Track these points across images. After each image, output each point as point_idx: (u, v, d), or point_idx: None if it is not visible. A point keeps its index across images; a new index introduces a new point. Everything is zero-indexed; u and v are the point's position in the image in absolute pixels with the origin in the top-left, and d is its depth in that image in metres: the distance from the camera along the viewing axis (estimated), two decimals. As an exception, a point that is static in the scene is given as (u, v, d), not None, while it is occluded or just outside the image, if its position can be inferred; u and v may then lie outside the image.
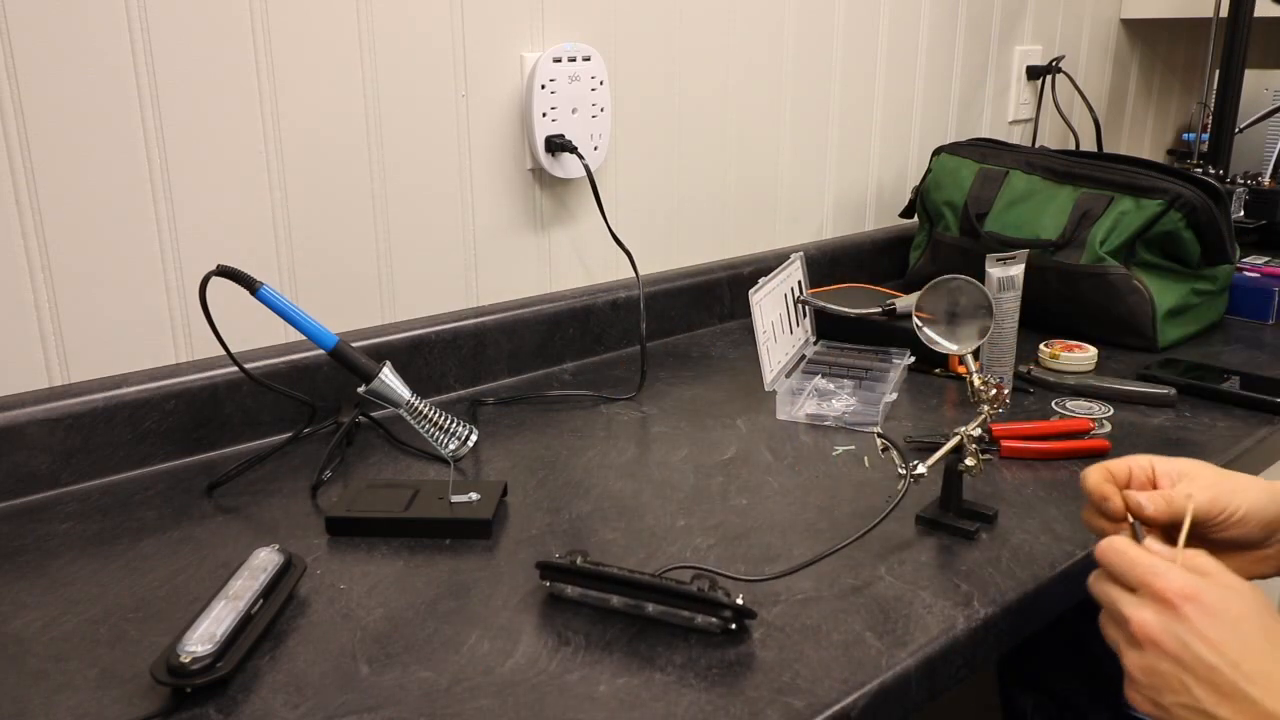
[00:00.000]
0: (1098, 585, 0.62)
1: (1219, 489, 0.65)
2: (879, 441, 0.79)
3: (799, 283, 1.23)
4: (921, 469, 0.78)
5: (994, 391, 0.81)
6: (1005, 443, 0.94)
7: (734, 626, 0.67)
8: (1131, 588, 0.59)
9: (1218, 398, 1.08)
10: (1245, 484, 0.66)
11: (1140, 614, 0.58)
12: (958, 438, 0.80)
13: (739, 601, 0.66)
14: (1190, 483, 0.66)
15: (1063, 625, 0.90)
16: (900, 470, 0.77)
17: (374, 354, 0.88)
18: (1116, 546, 0.61)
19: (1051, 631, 0.91)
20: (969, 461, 0.80)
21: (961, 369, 1.15)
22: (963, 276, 0.85)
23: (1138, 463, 0.68)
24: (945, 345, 0.87)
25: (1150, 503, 0.64)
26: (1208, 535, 0.66)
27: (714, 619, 0.67)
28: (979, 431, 0.80)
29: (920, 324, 0.87)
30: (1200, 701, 0.55)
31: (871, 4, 1.51)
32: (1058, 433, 0.98)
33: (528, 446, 0.98)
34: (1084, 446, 0.95)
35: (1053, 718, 0.92)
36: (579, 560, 0.70)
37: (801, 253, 1.26)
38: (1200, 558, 0.59)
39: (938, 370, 1.17)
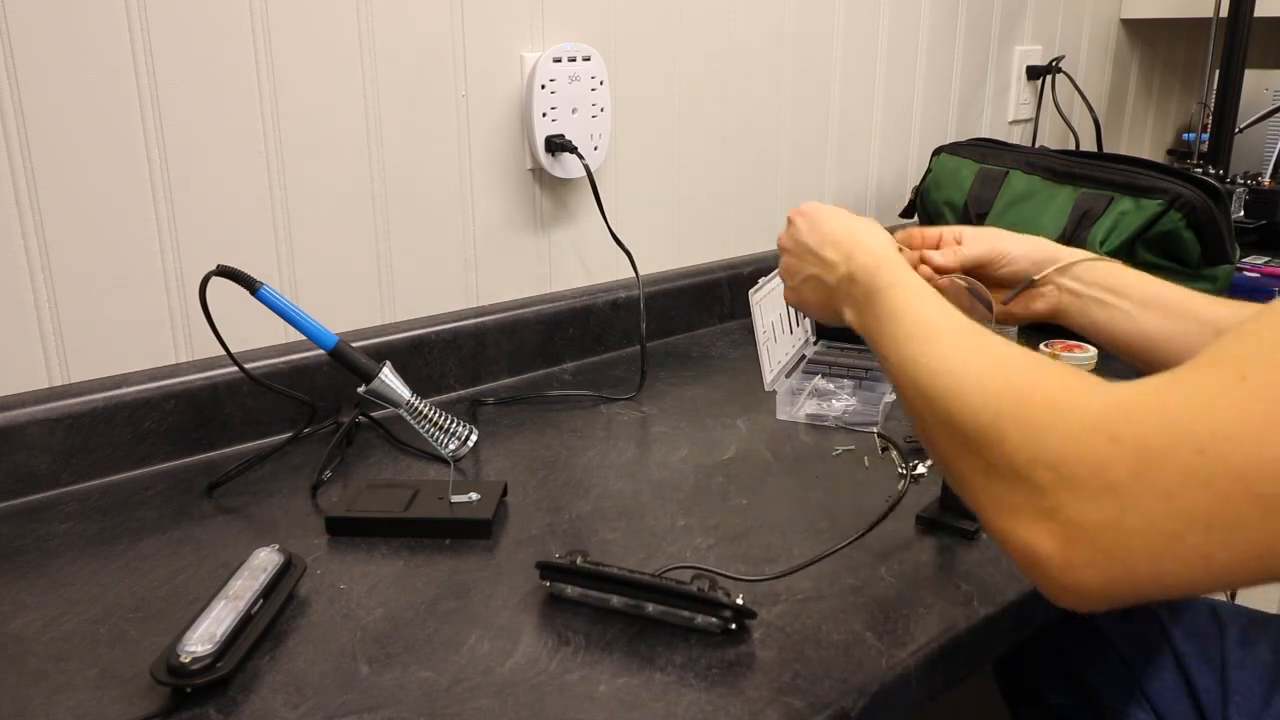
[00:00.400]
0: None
1: (993, 240, 0.88)
2: (879, 441, 0.80)
3: (799, 283, 1.23)
4: (921, 469, 0.78)
5: None
6: None
7: (734, 627, 0.67)
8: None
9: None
10: (1018, 238, 0.88)
11: (781, 233, 0.84)
12: None
13: (739, 601, 0.66)
14: (972, 239, 0.88)
15: (1047, 639, 0.91)
16: (900, 470, 0.77)
17: (374, 354, 0.88)
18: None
19: (1039, 645, 0.92)
20: None
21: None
22: (964, 276, 0.86)
23: (931, 231, 0.91)
24: None
25: (940, 255, 0.88)
26: (990, 275, 0.87)
27: (714, 619, 0.67)
28: None
29: None
30: (805, 267, 0.79)
31: (871, 4, 1.51)
32: None
33: (528, 446, 0.98)
34: None
35: None
36: (579, 560, 0.70)
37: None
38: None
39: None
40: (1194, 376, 0.46)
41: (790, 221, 0.82)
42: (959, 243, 0.89)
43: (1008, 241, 0.88)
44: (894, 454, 0.78)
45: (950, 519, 0.81)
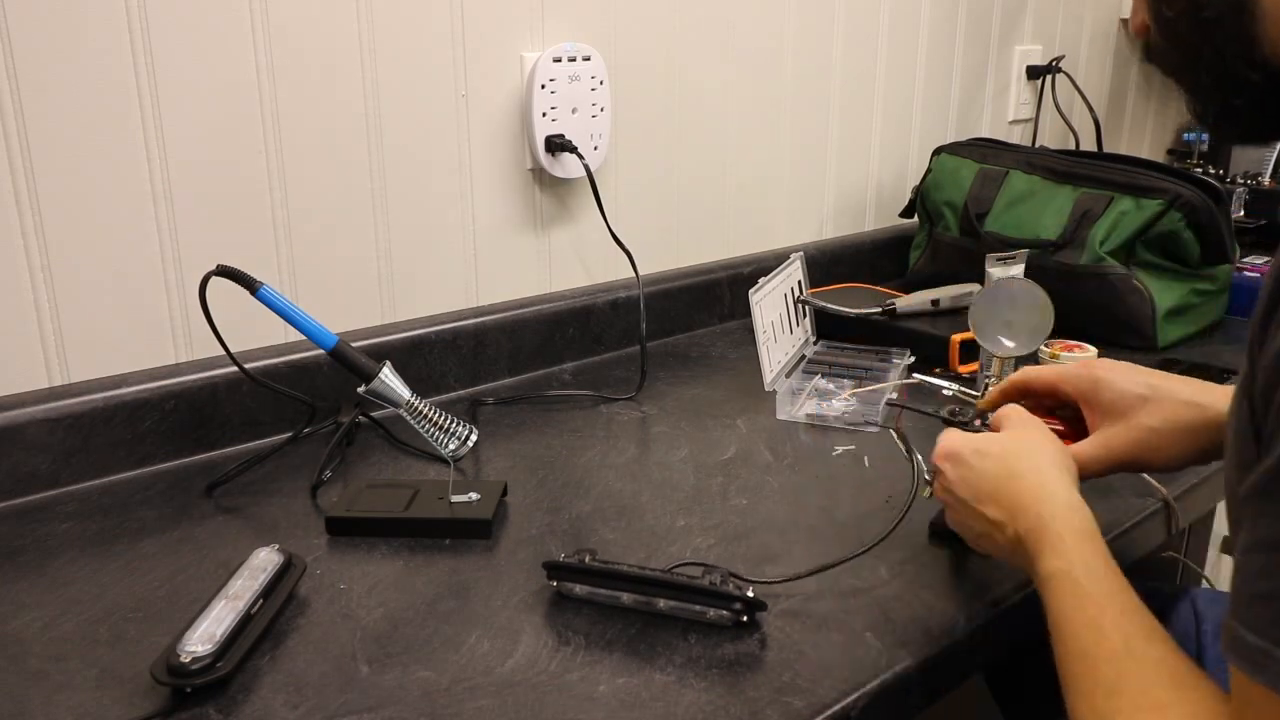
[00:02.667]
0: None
1: (1063, 371, 0.81)
2: (900, 443, 0.78)
3: (799, 283, 1.23)
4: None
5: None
6: None
7: (745, 619, 0.67)
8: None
9: (1218, 398, 1.08)
10: (1114, 365, 0.80)
11: (936, 486, 0.74)
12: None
13: (750, 594, 0.66)
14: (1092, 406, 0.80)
15: (1043, 646, 0.91)
16: (926, 477, 0.75)
17: (374, 354, 0.88)
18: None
19: (1035, 652, 0.92)
20: None
21: (964, 369, 1.15)
22: (1021, 278, 0.86)
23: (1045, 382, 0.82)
24: (1006, 346, 0.87)
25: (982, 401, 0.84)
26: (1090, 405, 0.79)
27: (725, 612, 0.67)
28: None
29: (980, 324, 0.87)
30: (975, 522, 0.70)
31: (871, 4, 1.50)
32: None
33: (528, 446, 0.98)
34: None
35: None
36: (588, 559, 0.70)
37: (801, 253, 1.26)
38: (1000, 415, 0.75)
39: (938, 370, 1.17)
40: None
41: (939, 470, 0.73)
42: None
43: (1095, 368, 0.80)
44: (917, 458, 0.76)
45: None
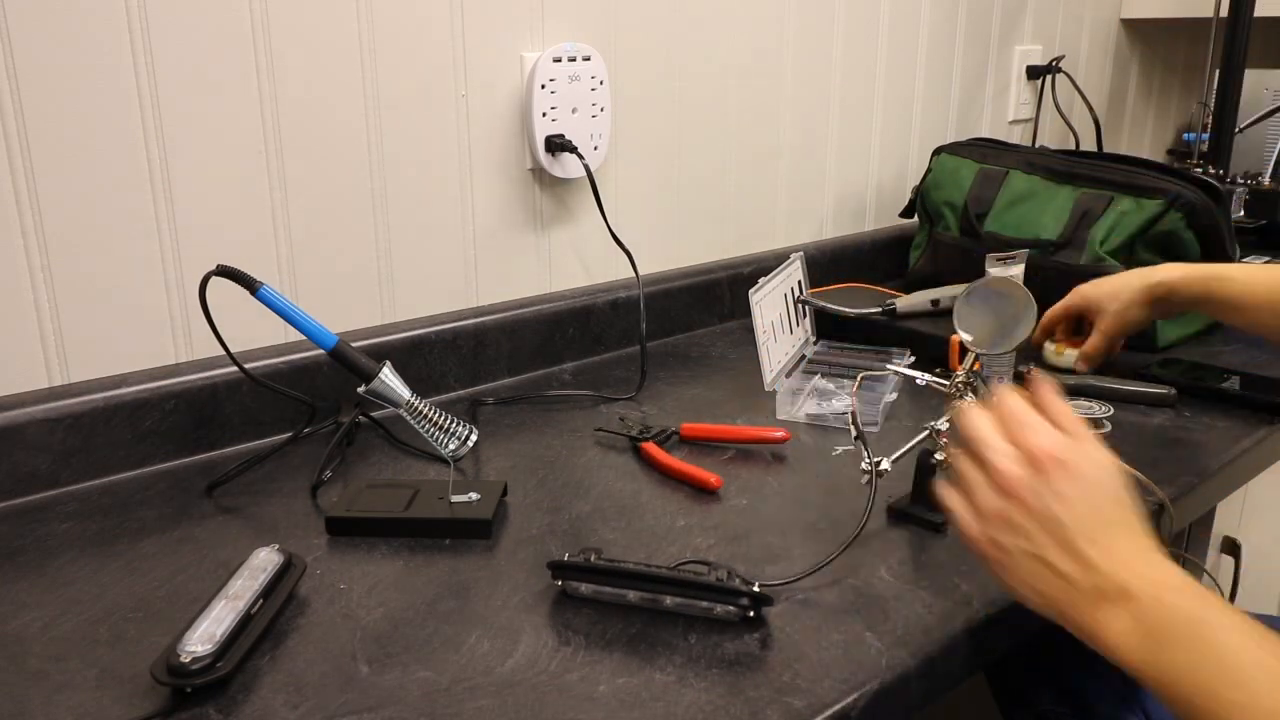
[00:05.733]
0: (971, 422, 0.64)
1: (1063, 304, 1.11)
2: (851, 430, 0.80)
3: (799, 283, 1.23)
4: (885, 464, 0.79)
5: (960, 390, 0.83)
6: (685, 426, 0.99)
7: (752, 615, 0.67)
8: (1009, 435, 0.63)
9: (1217, 398, 1.08)
10: (1102, 290, 1.10)
11: (1010, 467, 0.61)
12: (926, 432, 0.81)
13: (756, 589, 0.66)
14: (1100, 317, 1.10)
15: (1043, 645, 0.91)
16: (864, 466, 0.78)
17: (374, 354, 0.88)
18: (1006, 398, 0.64)
19: (1034, 651, 0.92)
20: (939, 456, 0.81)
21: (959, 367, 1.15)
22: (1003, 278, 0.86)
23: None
24: (987, 345, 0.88)
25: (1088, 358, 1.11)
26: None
27: (732, 608, 0.67)
28: (947, 425, 0.81)
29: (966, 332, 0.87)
30: (1042, 549, 0.59)
31: (871, 4, 1.50)
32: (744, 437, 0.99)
33: (528, 446, 0.98)
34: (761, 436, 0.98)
35: None
36: (593, 558, 0.70)
37: (801, 253, 1.26)
38: (1073, 421, 0.63)
39: (939, 370, 1.17)
40: None
41: (1041, 466, 0.60)
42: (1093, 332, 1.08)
43: (1098, 299, 1.09)
44: (862, 448, 0.79)
45: (920, 510, 0.82)
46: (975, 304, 0.86)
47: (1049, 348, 1.17)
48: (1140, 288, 1.06)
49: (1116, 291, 1.07)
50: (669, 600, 0.69)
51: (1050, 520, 0.59)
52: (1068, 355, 1.15)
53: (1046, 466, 0.60)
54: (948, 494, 0.65)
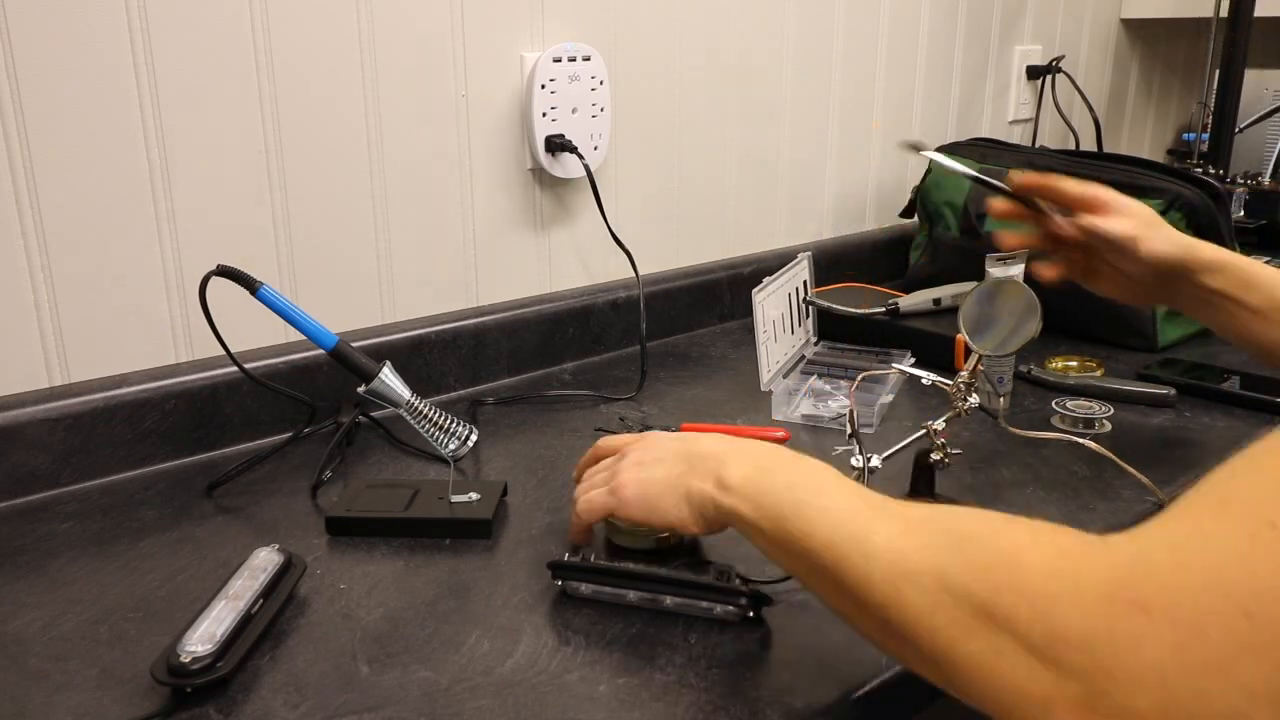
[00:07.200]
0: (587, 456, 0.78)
1: (1136, 230, 0.89)
2: (846, 429, 0.81)
3: (804, 282, 1.23)
4: (876, 461, 0.79)
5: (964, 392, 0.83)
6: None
7: (751, 614, 0.67)
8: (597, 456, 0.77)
9: (1218, 398, 1.08)
10: (1161, 239, 0.88)
11: (607, 451, 0.75)
12: (921, 431, 0.81)
13: (757, 589, 0.67)
14: (1119, 217, 0.89)
15: None
16: (854, 464, 0.79)
17: (374, 354, 0.88)
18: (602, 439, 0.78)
19: None
20: (935, 455, 0.81)
21: (964, 367, 1.15)
22: (1009, 280, 0.87)
23: (1072, 185, 0.91)
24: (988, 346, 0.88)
25: (1070, 225, 0.94)
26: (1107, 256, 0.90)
27: (732, 607, 0.67)
28: (943, 425, 0.81)
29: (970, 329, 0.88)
30: (657, 464, 0.69)
31: (871, 4, 1.50)
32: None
33: (528, 446, 0.98)
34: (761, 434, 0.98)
35: None
36: (592, 558, 0.70)
37: (809, 253, 1.26)
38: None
39: (942, 371, 1.17)
40: (1214, 526, 0.41)
41: (627, 447, 0.73)
42: (1100, 211, 0.89)
43: (1152, 242, 0.87)
44: (856, 445, 0.79)
45: None
46: (980, 305, 0.86)
47: (1050, 365, 1.16)
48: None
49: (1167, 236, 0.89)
50: (669, 600, 0.69)
51: (653, 448, 0.70)
52: (1074, 375, 1.14)
53: (630, 443, 0.73)
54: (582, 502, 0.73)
